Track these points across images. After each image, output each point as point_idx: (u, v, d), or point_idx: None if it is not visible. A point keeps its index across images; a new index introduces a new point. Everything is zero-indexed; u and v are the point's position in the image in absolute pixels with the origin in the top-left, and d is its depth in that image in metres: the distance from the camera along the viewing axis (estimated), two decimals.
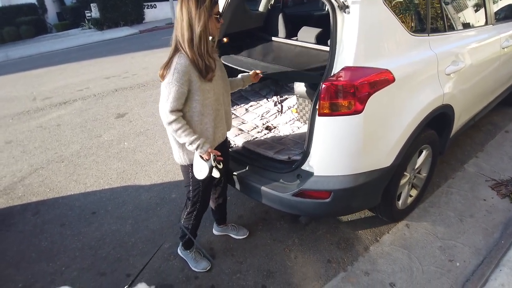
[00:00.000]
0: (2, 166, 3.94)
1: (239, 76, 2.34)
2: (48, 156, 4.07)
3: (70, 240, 2.69)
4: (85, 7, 16.10)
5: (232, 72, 2.41)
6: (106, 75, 7.34)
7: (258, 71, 2.36)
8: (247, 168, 2.34)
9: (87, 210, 3.03)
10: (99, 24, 15.44)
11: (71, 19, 17.05)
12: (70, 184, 3.44)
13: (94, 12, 15.61)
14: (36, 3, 17.20)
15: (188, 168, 2.00)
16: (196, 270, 2.31)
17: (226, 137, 2.20)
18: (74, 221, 2.90)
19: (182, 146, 1.91)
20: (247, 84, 2.35)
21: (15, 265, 2.51)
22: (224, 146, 2.12)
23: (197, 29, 1.70)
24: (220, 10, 2.69)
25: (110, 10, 15.46)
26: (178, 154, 1.97)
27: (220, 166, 1.88)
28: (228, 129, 2.17)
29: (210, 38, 1.83)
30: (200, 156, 1.84)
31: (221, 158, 1.88)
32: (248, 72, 2.36)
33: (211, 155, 1.83)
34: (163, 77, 1.77)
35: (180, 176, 3.33)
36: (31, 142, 4.48)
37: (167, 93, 1.73)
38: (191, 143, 1.80)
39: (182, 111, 1.81)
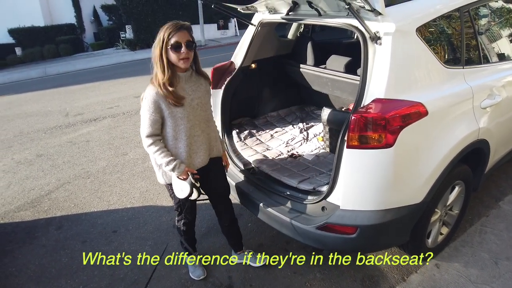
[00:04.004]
0: (32, 179, 4.07)
1: None
2: (76, 171, 4.17)
3: (90, 258, 2.70)
4: (120, 28, 16.99)
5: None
6: (135, 94, 7.57)
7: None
8: (269, 196, 2.30)
9: (108, 228, 3.05)
10: (132, 45, 16.15)
11: (107, 39, 18.02)
12: (94, 201, 3.50)
13: (128, 33, 16.39)
14: (75, 23, 18.36)
15: (169, 187, 2.12)
16: (192, 277, 2.41)
17: (220, 159, 2.27)
18: (95, 239, 2.92)
19: (161, 167, 2.03)
20: None
21: (35, 279, 2.53)
22: (210, 170, 2.16)
23: (155, 63, 1.93)
24: (250, 38, 2.73)
25: (143, 32, 16.15)
26: (159, 174, 2.12)
27: (198, 185, 1.96)
28: (217, 154, 2.20)
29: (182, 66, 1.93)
30: (178, 177, 1.94)
31: (198, 176, 1.99)
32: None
33: (189, 174, 1.95)
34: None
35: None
36: (61, 157, 4.63)
37: (143, 119, 1.93)
38: (167, 164, 1.92)
39: (160, 135, 1.97)
